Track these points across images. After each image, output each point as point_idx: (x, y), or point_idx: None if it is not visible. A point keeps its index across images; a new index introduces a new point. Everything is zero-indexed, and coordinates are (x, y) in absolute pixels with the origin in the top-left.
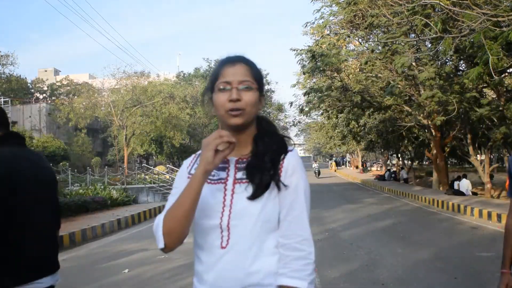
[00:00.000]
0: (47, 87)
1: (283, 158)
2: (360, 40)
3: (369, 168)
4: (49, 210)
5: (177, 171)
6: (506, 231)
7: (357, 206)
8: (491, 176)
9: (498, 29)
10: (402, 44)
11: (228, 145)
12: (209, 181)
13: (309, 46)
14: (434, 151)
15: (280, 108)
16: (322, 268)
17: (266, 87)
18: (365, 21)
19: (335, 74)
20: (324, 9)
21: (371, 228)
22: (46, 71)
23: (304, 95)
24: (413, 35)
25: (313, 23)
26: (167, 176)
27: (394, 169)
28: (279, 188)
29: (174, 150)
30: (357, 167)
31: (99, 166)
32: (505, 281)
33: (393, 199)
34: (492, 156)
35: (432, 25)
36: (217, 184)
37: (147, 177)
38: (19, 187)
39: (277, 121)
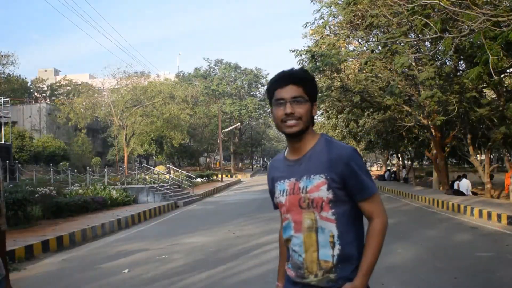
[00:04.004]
0: (47, 87)
1: None
2: (360, 40)
3: (369, 168)
4: None
5: (177, 171)
6: None
7: None
8: (491, 176)
9: (498, 29)
10: (402, 44)
11: None
12: None
13: (308, 46)
14: (434, 151)
15: None
16: None
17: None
18: (365, 22)
19: (335, 75)
20: (324, 9)
21: None
22: (46, 71)
23: None
24: (413, 35)
25: (313, 23)
26: (167, 176)
27: (394, 169)
28: None
29: (174, 150)
30: None
31: (99, 166)
32: None
33: (393, 199)
34: (492, 156)
35: (432, 25)
36: None
37: (147, 177)
38: None
39: None
